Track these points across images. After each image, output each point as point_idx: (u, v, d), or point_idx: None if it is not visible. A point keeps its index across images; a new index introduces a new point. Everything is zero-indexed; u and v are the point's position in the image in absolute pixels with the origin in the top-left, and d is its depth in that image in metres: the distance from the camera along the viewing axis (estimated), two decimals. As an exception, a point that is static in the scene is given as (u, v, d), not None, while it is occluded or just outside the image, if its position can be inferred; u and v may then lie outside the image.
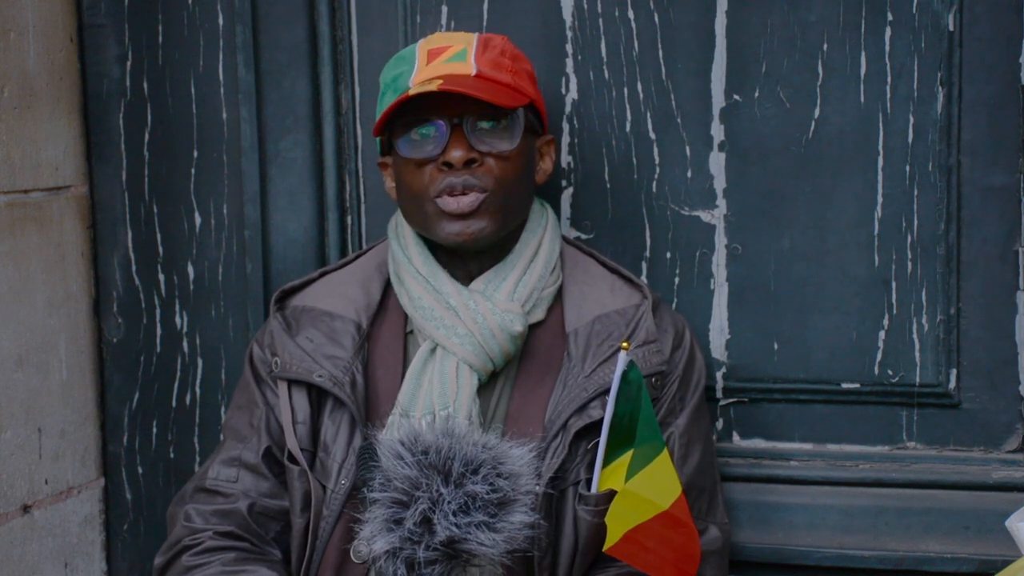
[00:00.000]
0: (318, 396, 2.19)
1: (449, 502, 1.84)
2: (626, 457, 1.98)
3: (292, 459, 2.17)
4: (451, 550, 1.84)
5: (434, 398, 2.10)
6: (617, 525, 1.94)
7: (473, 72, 2.13)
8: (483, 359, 2.13)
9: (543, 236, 2.23)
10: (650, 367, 2.13)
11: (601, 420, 2.04)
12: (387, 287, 2.28)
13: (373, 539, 1.87)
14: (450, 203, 2.12)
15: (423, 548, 1.83)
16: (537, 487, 1.95)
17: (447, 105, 2.11)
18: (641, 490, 1.96)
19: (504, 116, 2.15)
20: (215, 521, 2.18)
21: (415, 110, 2.13)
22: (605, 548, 1.94)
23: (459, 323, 2.13)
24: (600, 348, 2.14)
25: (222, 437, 2.28)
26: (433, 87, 2.08)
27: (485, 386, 2.16)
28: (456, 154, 2.11)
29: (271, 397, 2.22)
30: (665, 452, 2.00)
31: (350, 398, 2.14)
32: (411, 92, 2.10)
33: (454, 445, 1.86)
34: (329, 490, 2.14)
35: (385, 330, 2.23)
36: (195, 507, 2.20)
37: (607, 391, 2.04)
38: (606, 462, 2.01)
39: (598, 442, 2.00)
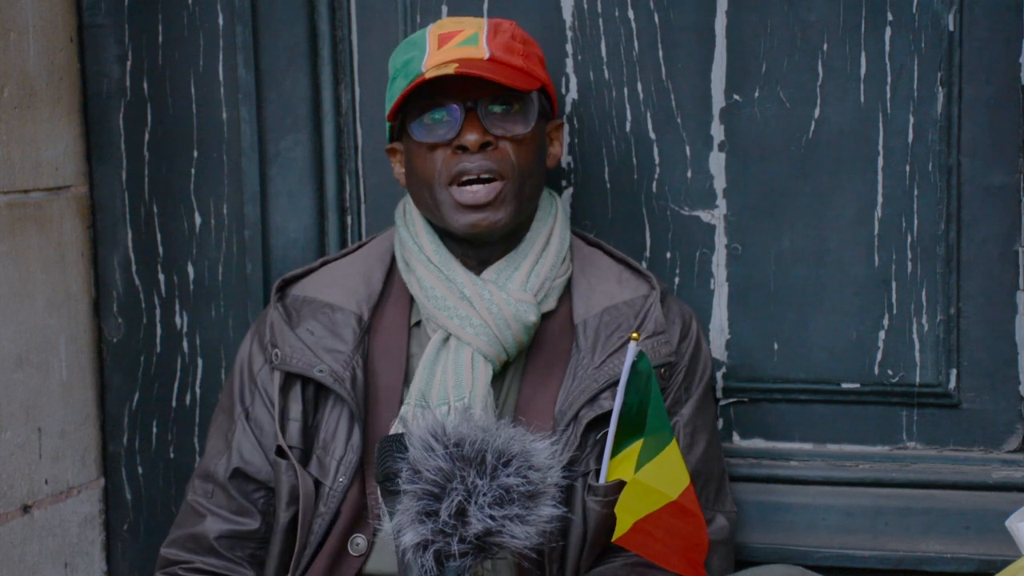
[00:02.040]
0: (316, 390, 2.19)
1: (485, 494, 1.82)
2: (635, 447, 1.99)
3: (281, 453, 2.17)
4: (482, 543, 1.83)
5: (449, 388, 2.09)
6: (627, 515, 1.95)
7: (486, 56, 2.12)
8: (497, 349, 2.12)
9: (554, 225, 2.22)
10: (659, 358, 2.13)
11: (610, 411, 2.04)
12: (389, 276, 2.27)
13: (402, 532, 1.84)
14: (466, 195, 2.11)
15: (456, 540, 1.82)
16: (565, 480, 1.94)
17: (460, 89, 2.11)
18: (650, 480, 1.97)
19: (518, 100, 2.14)
20: (189, 547, 2.21)
21: (428, 95, 2.12)
22: (614, 538, 1.95)
23: (473, 313, 2.12)
24: (610, 339, 2.14)
25: (210, 433, 2.29)
26: (450, 70, 2.07)
27: (495, 377, 2.15)
28: (471, 137, 2.10)
29: (255, 410, 2.22)
30: (674, 442, 2.01)
31: (350, 395, 2.14)
32: (427, 75, 2.09)
33: (487, 437, 1.85)
34: (326, 487, 2.14)
35: (388, 320, 2.23)
36: (175, 536, 2.25)
37: (617, 382, 2.05)
38: (614, 452, 2.02)
39: (607, 433, 2.01)
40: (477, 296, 2.13)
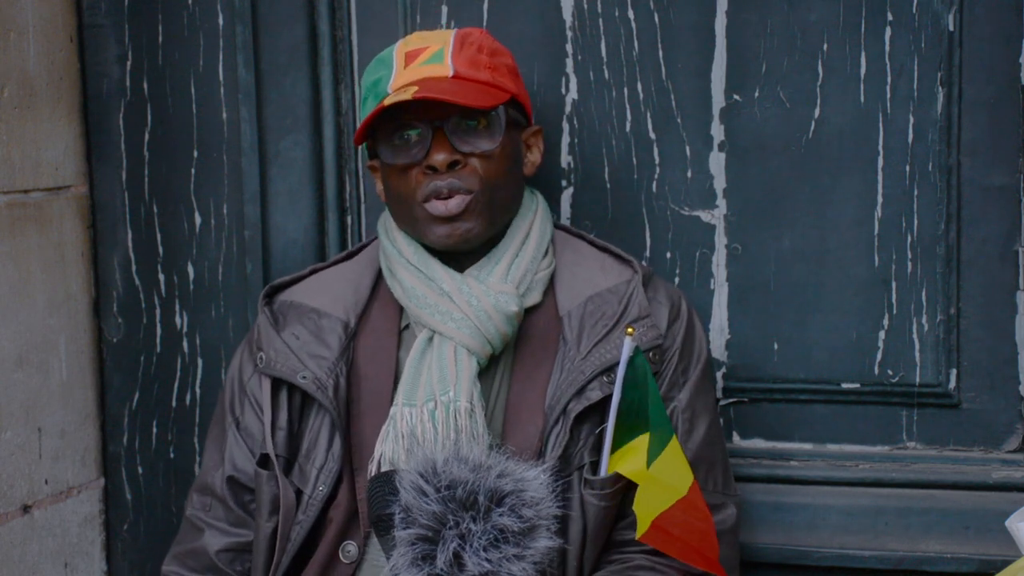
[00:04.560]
0: (302, 398, 2.19)
1: (479, 537, 1.84)
2: (642, 442, 1.99)
3: (263, 463, 2.17)
4: None
5: (434, 384, 2.08)
6: (645, 512, 1.96)
7: (450, 73, 2.13)
8: (481, 342, 2.11)
9: (533, 220, 2.22)
10: (646, 342, 2.11)
11: (600, 402, 2.05)
12: (377, 283, 2.27)
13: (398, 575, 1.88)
14: (438, 207, 2.11)
15: None
16: (559, 510, 1.95)
17: (427, 108, 2.10)
18: (662, 476, 1.98)
19: (484, 115, 2.14)
20: (190, 564, 2.23)
21: (395, 115, 2.12)
22: (637, 536, 1.97)
23: (454, 308, 2.12)
24: (594, 328, 2.13)
25: (205, 447, 2.31)
26: (407, 95, 2.07)
27: (485, 373, 2.14)
28: (439, 157, 2.10)
29: (245, 419, 2.23)
30: (675, 439, 2.02)
31: (331, 403, 2.13)
32: (386, 102, 2.09)
33: (478, 478, 1.87)
34: (306, 496, 2.14)
35: (376, 325, 2.23)
36: (175, 552, 2.26)
37: (604, 372, 2.06)
38: (615, 447, 2.02)
39: (604, 426, 2.01)
40: (456, 290, 2.13)
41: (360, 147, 2.52)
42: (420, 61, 2.15)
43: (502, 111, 2.15)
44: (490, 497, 1.86)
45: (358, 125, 2.50)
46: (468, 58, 2.15)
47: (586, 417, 2.09)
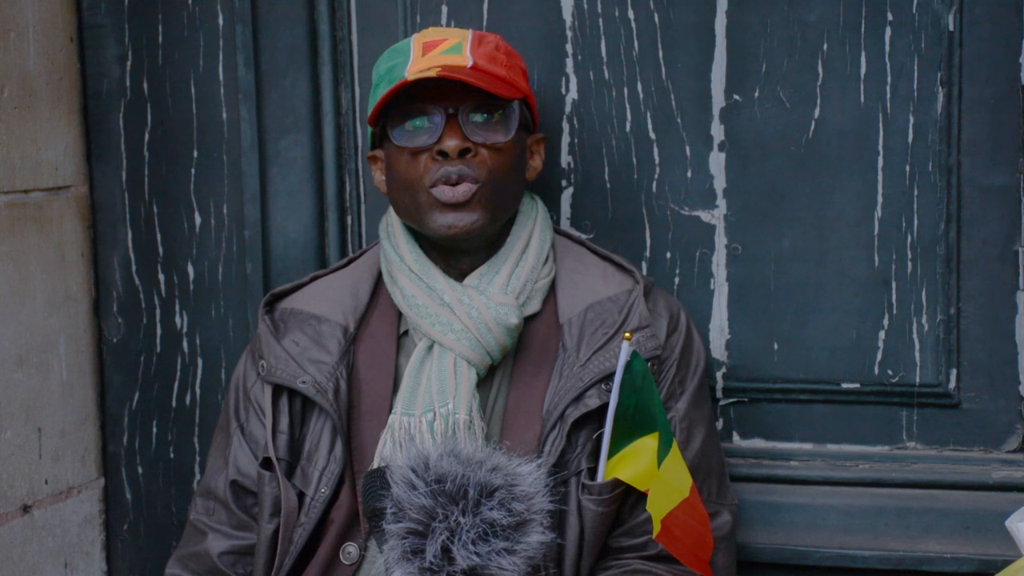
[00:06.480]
0: (303, 402, 2.20)
1: (468, 531, 1.85)
2: (643, 445, 2.00)
3: (266, 465, 2.18)
4: (471, 575, 1.86)
5: (433, 396, 2.09)
6: (657, 512, 1.97)
7: (469, 64, 2.13)
8: (480, 353, 2.12)
9: (533, 228, 2.22)
10: (645, 352, 2.11)
11: (598, 409, 2.06)
12: (377, 288, 2.27)
13: (390, 570, 1.88)
14: (446, 192, 2.11)
15: None
16: (551, 504, 1.96)
17: (443, 96, 2.11)
18: (669, 476, 1.99)
19: (499, 109, 2.14)
20: (192, 566, 2.24)
21: (410, 100, 2.13)
22: (654, 536, 1.98)
23: (454, 319, 2.13)
24: (594, 336, 2.13)
25: (209, 453, 2.32)
26: (432, 73, 2.08)
27: (483, 380, 2.15)
28: (451, 143, 2.10)
29: (249, 424, 2.23)
30: (675, 442, 2.03)
31: (332, 406, 2.14)
32: (409, 78, 2.09)
33: (468, 472, 1.87)
34: (308, 498, 2.14)
35: (376, 330, 2.23)
36: (178, 555, 2.27)
37: (603, 380, 2.06)
38: (611, 452, 2.02)
39: (601, 432, 2.02)
40: (457, 301, 2.13)
41: (359, 147, 2.53)
42: (439, 51, 2.15)
43: (517, 107, 2.16)
44: (480, 491, 1.86)
45: (359, 124, 2.52)
46: (486, 53, 2.16)
47: (583, 423, 2.09)
